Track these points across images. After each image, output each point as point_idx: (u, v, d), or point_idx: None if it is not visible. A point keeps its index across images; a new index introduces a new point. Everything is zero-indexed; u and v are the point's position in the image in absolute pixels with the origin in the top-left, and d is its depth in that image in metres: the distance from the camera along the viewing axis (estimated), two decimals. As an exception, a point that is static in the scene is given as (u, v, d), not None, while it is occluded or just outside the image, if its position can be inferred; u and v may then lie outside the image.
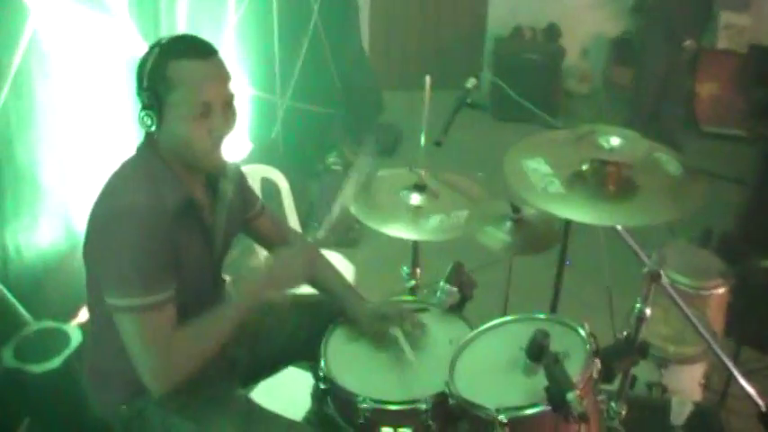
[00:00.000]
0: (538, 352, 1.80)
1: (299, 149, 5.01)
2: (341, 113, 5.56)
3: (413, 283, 2.61)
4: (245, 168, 3.59)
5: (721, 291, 3.11)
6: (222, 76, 1.89)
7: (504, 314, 2.24)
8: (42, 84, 2.69)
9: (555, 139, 2.32)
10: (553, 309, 2.69)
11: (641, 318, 2.11)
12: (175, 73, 1.83)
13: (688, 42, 5.28)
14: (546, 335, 1.79)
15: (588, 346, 1.94)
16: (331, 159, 5.12)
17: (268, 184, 3.66)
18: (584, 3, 6.35)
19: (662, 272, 2.02)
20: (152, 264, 1.84)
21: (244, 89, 4.25)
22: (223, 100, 1.88)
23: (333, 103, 5.50)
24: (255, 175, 3.65)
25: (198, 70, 1.84)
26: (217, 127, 1.88)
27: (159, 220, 1.86)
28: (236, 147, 4.06)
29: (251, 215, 2.29)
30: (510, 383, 1.92)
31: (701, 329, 2.14)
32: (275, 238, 2.37)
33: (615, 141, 2.16)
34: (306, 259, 2.13)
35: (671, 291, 2.08)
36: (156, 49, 1.88)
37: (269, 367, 2.40)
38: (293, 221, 3.74)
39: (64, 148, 2.82)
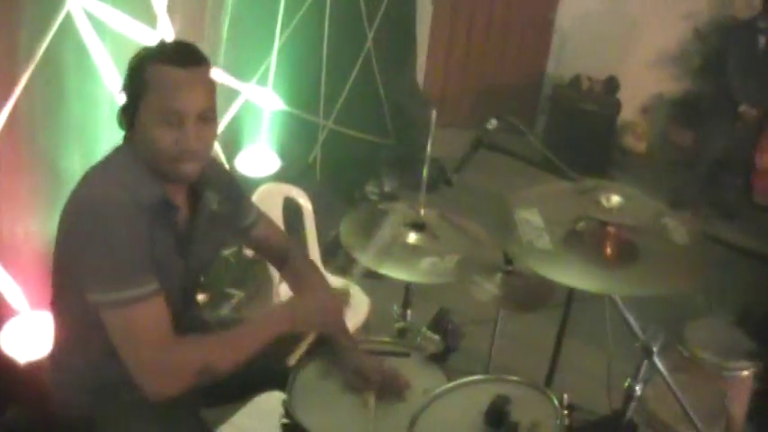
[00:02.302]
0: (497, 419, 1.69)
1: (338, 174, 4.96)
2: (387, 143, 5.50)
3: (401, 325, 2.51)
4: (268, 186, 3.61)
5: (746, 373, 2.93)
6: (201, 88, 1.83)
7: (486, 373, 2.13)
8: (70, 71, 2.70)
9: (556, 190, 2.19)
10: (550, 374, 2.56)
11: (630, 394, 1.99)
12: (152, 76, 1.80)
13: (743, 108, 5.12)
14: (507, 401, 1.68)
15: (559, 421, 1.82)
16: (369, 188, 5.07)
17: (291, 204, 3.62)
18: (647, 59, 6.19)
19: (655, 348, 1.90)
20: (133, 255, 1.79)
21: (275, 104, 4.21)
22: (197, 113, 1.82)
23: (379, 131, 5.44)
24: (279, 193, 3.62)
25: (174, 77, 1.79)
26: (185, 139, 1.81)
27: (135, 212, 1.81)
28: (261, 162, 4.04)
29: (243, 226, 2.23)
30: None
31: (693, 417, 2.00)
32: (273, 248, 2.31)
33: (618, 200, 2.02)
34: (334, 307, 2.10)
35: (662, 369, 1.95)
36: (143, 51, 1.86)
37: (234, 392, 2.33)
38: (313, 244, 3.69)
39: (86, 137, 2.82)
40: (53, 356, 2.10)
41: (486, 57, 6.45)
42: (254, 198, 3.47)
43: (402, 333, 2.57)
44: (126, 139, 1.92)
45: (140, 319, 1.79)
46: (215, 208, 2.06)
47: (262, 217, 2.29)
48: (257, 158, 4.05)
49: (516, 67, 6.49)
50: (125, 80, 1.86)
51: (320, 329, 2.07)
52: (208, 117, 1.86)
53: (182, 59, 1.82)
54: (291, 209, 3.64)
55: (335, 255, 4.05)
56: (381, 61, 5.17)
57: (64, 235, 1.87)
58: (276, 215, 3.56)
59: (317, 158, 4.85)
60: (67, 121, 2.72)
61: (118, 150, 1.93)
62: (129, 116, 1.86)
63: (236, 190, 2.19)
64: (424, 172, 2.49)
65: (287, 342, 2.26)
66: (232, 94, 3.87)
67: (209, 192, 2.03)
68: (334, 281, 3.65)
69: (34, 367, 2.57)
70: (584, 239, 1.99)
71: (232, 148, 4.00)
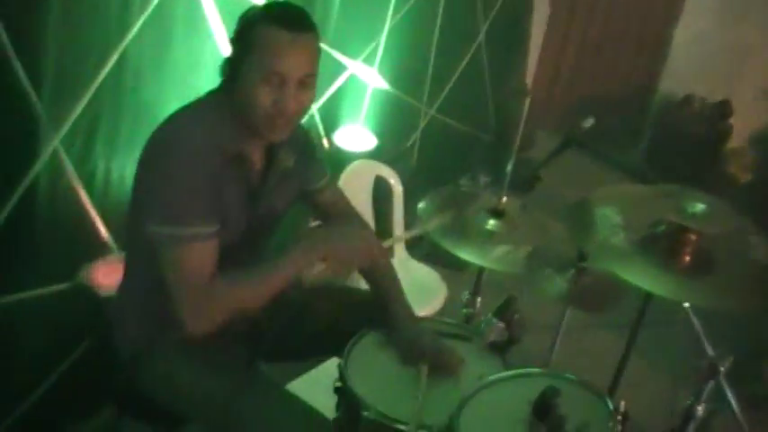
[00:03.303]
0: (544, 410, 1.66)
1: (435, 162, 4.96)
2: (487, 139, 5.47)
3: (469, 311, 2.50)
4: (361, 162, 3.64)
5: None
6: (305, 53, 1.89)
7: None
8: (180, 24, 2.78)
9: (640, 191, 2.15)
10: (613, 385, 2.48)
11: (690, 414, 1.93)
12: (260, 36, 1.87)
13: None
14: (557, 393, 1.65)
15: (611, 424, 1.78)
16: (463, 181, 5.05)
17: (382, 184, 3.64)
18: (764, 86, 5.97)
19: (722, 368, 1.84)
20: (198, 196, 1.86)
21: (379, 84, 4.22)
22: (298, 77, 1.88)
23: (482, 126, 5.42)
24: (371, 170, 3.65)
25: (280, 40, 1.85)
26: (283, 101, 1.88)
27: (210, 157, 1.89)
28: (358, 139, 4.06)
29: (313, 188, 2.27)
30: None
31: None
32: (332, 215, 2.35)
33: (702, 208, 1.95)
34: (366, 243, 2.09)
35: (728, 392, 1.89)
36: (255, 10, 1.92)
37: (295, 351, 2.37)
38: (398, 227, 3.70)
39: (187, 91, 2.88)
40: (120, 289, 2.18)
41: (598, 66, 6.34)
42: (347, 172, 3.52)
43: (468, 319, 2.57)
44: (222, 87, 1.98)
45: (190, 258, 1.86)
46: (289, 165, 2.10)
47: (332, 184, 2.33)
48: (355, 134, 4.08)
49: (627, 79, 6.36)
50: (234, 34, 1.94)
51: (347, 261, 2.05)
52: (307, 83, 1.92)
53: (290, 23, 1.88)
54: (382, 188, 3.66)
55: (420, 241, 4.05)
56: (491, 57, 5.14)
57: (139, 167, 1.95)
58: (365, 192, 3.60)
59: (416, 143, 4.85)
60: (172, 73, 2.79)
61: (211, 96, 2.00)
62: (231, 68, 1.92)
63: (311, 152, 2.24)
64: (510, 162, 2.46)
65: (345, 310, 2.30)
66: (337, 68, 3.89)
67: (285, 149, 2.07)
68: (418, 268, 3.68)
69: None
70: (662, 243, 1.94)
71: (331, 121, 4.03)
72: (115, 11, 2.61)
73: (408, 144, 4.80)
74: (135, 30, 2.65)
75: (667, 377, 3.16)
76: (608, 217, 1.98)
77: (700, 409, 1.92)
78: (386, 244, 2.24)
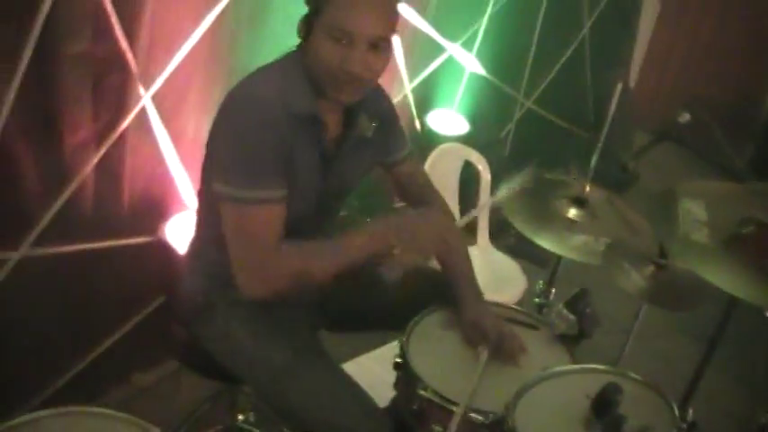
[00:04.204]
0: (602, 407, 1.59)
1: (527, 154, 4.87)
2: (584, 135, 5.35)
3: (541, 301, 2.43)
4: (451, 145, 3.60)
5: None
6: (379, 15, 1.84)
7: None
8: None
9: (729, 188, 2.04)
10: (687, 393, 2.37)
11: (764, 429, 1.84)
12: None
13: None
14: (619, 391, 1.58)
15: (676, 429, 1.70)
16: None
17: (470, 170, 3.59)
18: None
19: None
20: (267, 157, 1.84)
21: (477, 69, 4.17)
22: (369, 38, 1.84)
23: (579, 122, 5.30)
24: (460, 155, 3.60)
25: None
26: (350, 61, 1.83)
27: (281, 117, 1.86)
28: (451, 123, 4.03)
29: (390, 160, 2.24)
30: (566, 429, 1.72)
31: None
32: (414, 189, 2.31)
33: None
34: (440, 231, 2.02)
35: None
36: None
37: (359, 323, 2.35)
38: (483, 215, 3.65)
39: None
40: (191, 244, 2.20)
41: (706, 69, 6.09)
42: (435, 153, 3.48)
43: (540, 309, 2.51)
44: (299, 47, 1.96)
45: (255, 220, 1.84)
46: (368, 135, 2.06)
47: (412, 156, 2.28)
48: (448, 118, 4.05)
49: (736, 84, 6.10)
50: None
51: (423, 249, 1.98)
52: (379, 46, 1.87)
53: None
54: (470, 174, 3.61)
55: (506, 232, 3.99)
56: (595, 52, 5.02)
57: (213, 123, 1.94)
58: (453, 175, 3.56)
59: (510, 134, 4.78)
60: (266, 38, 2.80)
61: (287, 56, 1.98)
62: (307, 26, 1.89)
63: (392, 122, 2.20)
64: (595, 153, 2.38)
65: (415, 286, 2.25)
66: (435, 49, 3.86)
67: (364, 117, 2.04)
68: (499, 257, 3.62)
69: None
70: (748, 244, 1.83)
71: (425, 102, 4.01)
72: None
73: (502, 134, 4.74)
74: (232, -9, 2.67)
75: (745, 391, 3.01)
76: (692, 212, 1.88)
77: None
78: (459, 223, 2.18)
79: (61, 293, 2.65)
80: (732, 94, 6.10)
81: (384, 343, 2.67)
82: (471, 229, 3.63)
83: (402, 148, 2.26)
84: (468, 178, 3.62)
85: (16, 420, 1.68)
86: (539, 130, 4.94)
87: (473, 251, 3.50)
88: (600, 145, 2.45)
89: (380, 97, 2.18)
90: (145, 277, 2.87)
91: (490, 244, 3.71)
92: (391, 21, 1.89)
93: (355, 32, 1.82)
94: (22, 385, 2.60)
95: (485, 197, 3.53)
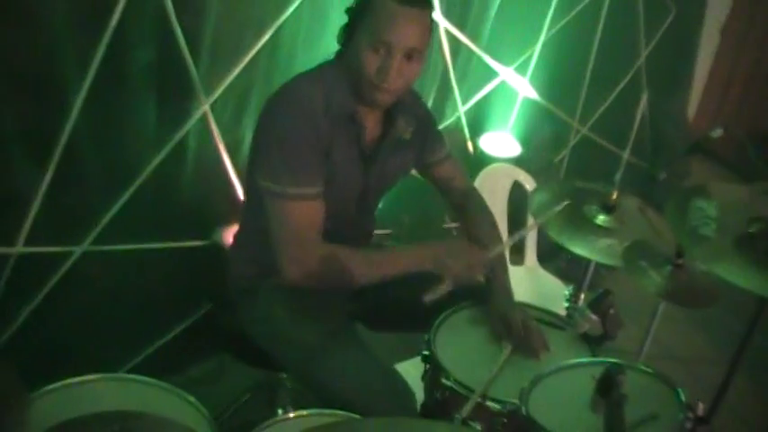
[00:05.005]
0: (607, 386, 1.66)
1: (583, 180, 4.90)
2: (641, 165, 5.36)
3: (569, 306, 2.50)
4: (501, 165, 3.68)
5: None
6: (414, 27, 2.00)
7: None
8: (336, 7, 2.83)
9: (743, 190, 2.11)
10: (714, 404, 2.40)
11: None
12: (375, 5, 1.99)
13: None
14: (621, 370, 1.65)
15: (681, 415, 1.76)
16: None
17: (520, 189, 3.65)
18: None
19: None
20: (306, 155, 2.01)
21: (530, 94, 4.25)
22: (405, 49, 1.99)
23: (636, 151, 5.30)
24: (509, 175, 3.68)
25: (394, 11, 1.97)
26: (386, 70, 1.99)
27: (321, 115, 2.03)
28: (503, 145, 4.10)
29: (430, 161, 2.36)
30: (577, 415, 1.80)
31: None
32: (454, 190, 2.46)
33: None
34: (477, 259, 2.14)
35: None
36: None
37: (395, 321, 2.46)
38: (532, 236, 3.71)
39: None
40: (237, 235, 2.35)
41: (765, 104, 6.05)
42: (485, 171, 3.58)
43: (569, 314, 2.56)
44: (339, 53, 2.11)
45: (295, 214, 2.00)
46: (406, 137, 2.20)
47: (450, 158, 2.40)
48: (500, 141, 4.14)
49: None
50: (353, 4, 2.05)
51: (460, 280, 2.08)
52: (413, 56, 2.03)
53: None
54: (519, 194, 3.68)
55: (557, 256, 4.04)
56: (652, 81, 5.04)
57: (258, 123, 2.10)
58: (502, 195, 3.63)
59: (565, 160, 4.83)
60: (325, 51, 2.91)
61: (327, 63, 2.14)
62: (347, 34, 2.05)
63: (430, 124, 2.34)
64: (624, 157, 2.45)
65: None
66: (489, 73, 3.96)
67: (402, 119, 2.18)
68: (545, 276, 3.67)
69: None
70: (757, 242, 1.91)
71: (478, 125, 4.10)
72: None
73: (557, 159, 4.79)
74: (293, 7, 2.83)
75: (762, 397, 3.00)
76: (702, 209, 1.96)
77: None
78: (506, 243, 2.31)
79: (119, 290, 2.81)
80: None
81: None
82: (519, 249, 3.70)
83: (441, 148, 2.41)
84: (518, 198, 3.68)
85: (72, 381, 1.81)
86: (594, 158, 4.96)
87: (520, 271, 3.59)
88: (624, 162, 2.50)
89: (417, 103, 2.32)
90: (199, 280, 2.99)
91: (538, 265, 3.77)
92: (425, 34, 2.05)
93: (393, 44, 1.98)
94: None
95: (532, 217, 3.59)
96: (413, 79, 2.10)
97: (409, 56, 2.02)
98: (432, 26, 2.09)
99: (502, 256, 2.37)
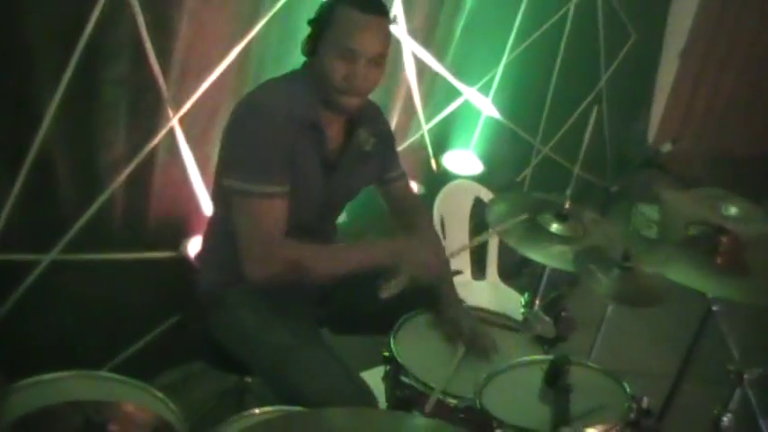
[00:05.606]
0: (554, 375, 1.76)
1: (543, 201, 5.00)
2: (602, 185, 5.46)
3: (525, 312, 2.58)
4: (463, 182, 3.76)
5: None
6: (377, 34, 2.11)
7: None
8: (306, 22, 2.98)
9: (686, 197, 2.24)
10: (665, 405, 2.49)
11: (717, 424, 1.97)
12: (339, 15, 2.09)
13: None
14: (567, 361, 1.75)
15: (627, 405, 1.86)
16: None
17: (482, 206, 3.72)
18: None
19: (746, 375, 1.88)
20: (271, 156, 2.10)
21: (493, 114, 4.36)
22: (370, 55, 2.09)
23: (597, 172, 5.41)
24: (471, 191, 3.75)
25: (357, 20, 2.07)
26: (354, 76, 2.10)
27: (284, 121, 2.12)
28: (466, 163, 4.20)
29: (386, 177, 2.46)
30: (527, 406, 1.91)
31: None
32: (406, 208, 2.54)
33: (735, 211, 2.05)
34: (437, 260, 2.26)
35: (754, 402, 1.93)
36: None
37: (356, 325, 2.54)
38: (493, 252, 3.79)
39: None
40: (204, 241, 2.43)
41: (727, 124, 6.18)
42: (448, 187, 3.64)
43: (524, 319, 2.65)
44: (304, 64, 2.21)
45: (260, 212, 2.09)
46: (367, 149, 2.29)
47: (406, 176, 2.50)
48: (463, 159, 4.23)
49: (759, 140, 6.17)
50: (316, 15, 2.16)
51: (416, 276, 2.16)
52: (378, 62, 2.13)
53: (367, 7, 2.11)
54: (481, 211, 3.75)
55: (518, 274, 4.12)
56: (612, 104, 5.18)
57: (225, 128, 2.19)
58: (464, 211, 3.70)
59: (527, 180, 4.93)
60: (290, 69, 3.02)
61: (293, 72, 2.23)
62: (312, 45, 2.14)
63: (389, 141, 2.45)
64: (576, 168, 2.56)
65: (407, 293, 2.42)
66: (452, 93, 4.06)
67: (364, 131, 2.28)
68: (506, 291, 3.75)
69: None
70: (698, 243, 2.03)
71: (441, 143, 4.19)
72: (245, 7, 2.89)
73: (518, 179, 4.89)
74: (261, 25, 2.92)
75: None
76: (644, 213, 2.09)
77: (726, 420, 1.95)
78: (456, 251, 2.38)
79: (87, 299, 2.84)
80: (756, 148, 6.15)
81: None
82: (481, 266, 3.77)
83: (398, 167, 2.51)
84: (480, 214, 3.76)
85: (45, 377, 1.83)
86: (556, 176, 5.06)
87: (482, 285, 3.66)
88: (575, 175, 2.61)
89: (380, 118, 2.42)
90: (166, 290, 3.05)
91: (499, 279, 3.84)
92: (387, 39, 2.17)
93: (358, 50, 2.09)
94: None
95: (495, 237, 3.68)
96: (378, 82, 2.20)
97: (374, 62, 2.13)
98: (390, 33, 2.20)
99: (449, 268, 2.46)
